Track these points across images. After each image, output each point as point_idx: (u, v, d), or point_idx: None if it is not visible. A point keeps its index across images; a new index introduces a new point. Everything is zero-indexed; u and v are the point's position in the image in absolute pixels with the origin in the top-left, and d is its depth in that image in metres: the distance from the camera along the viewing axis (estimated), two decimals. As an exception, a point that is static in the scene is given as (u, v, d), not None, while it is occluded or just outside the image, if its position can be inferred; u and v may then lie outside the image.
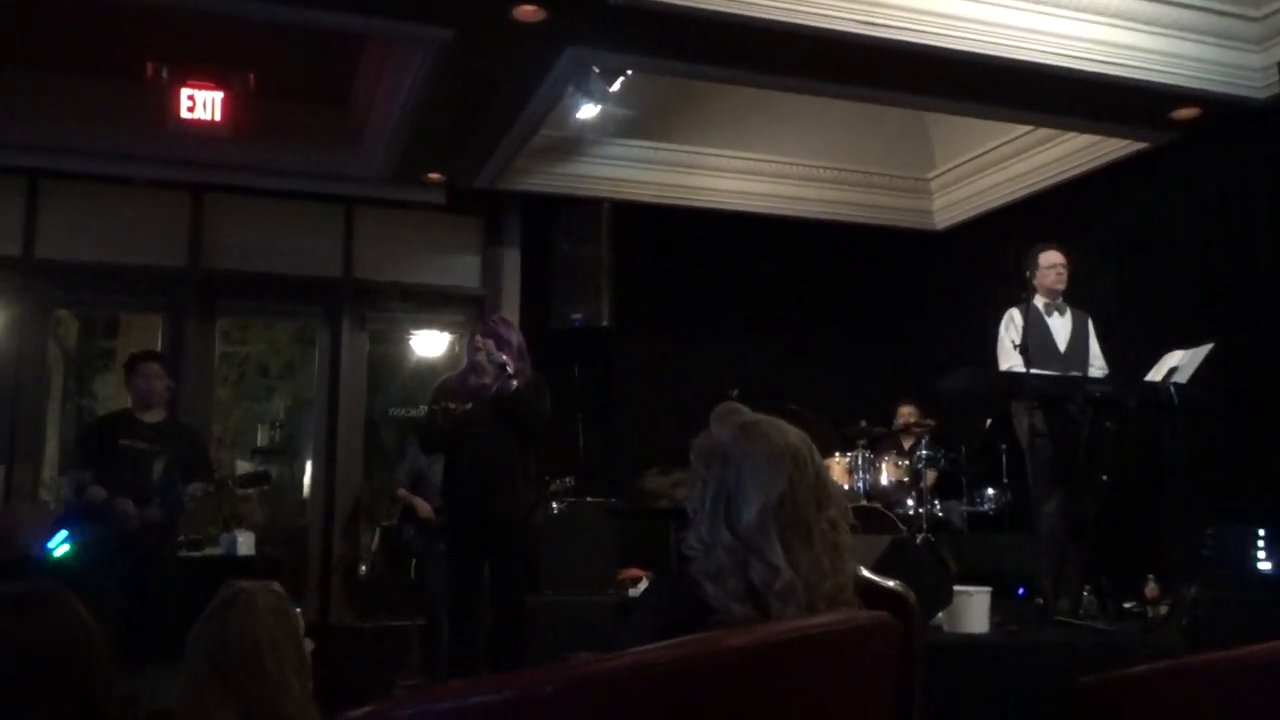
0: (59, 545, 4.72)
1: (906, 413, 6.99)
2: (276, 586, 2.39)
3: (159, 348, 6.73)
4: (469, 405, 4.72)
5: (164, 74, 6.00)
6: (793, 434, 1.71)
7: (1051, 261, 5.49)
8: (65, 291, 7.07)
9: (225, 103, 6.09)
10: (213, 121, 6.08)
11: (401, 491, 6.56)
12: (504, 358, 4.71)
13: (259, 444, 11.90)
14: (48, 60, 6.39)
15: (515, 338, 4.91)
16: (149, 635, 4.24)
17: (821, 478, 1.69)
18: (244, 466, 10.37)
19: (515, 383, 4.70)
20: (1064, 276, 5.49)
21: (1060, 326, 5.49)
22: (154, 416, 5.08)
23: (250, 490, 7.44)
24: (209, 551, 6.27)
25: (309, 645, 2.38)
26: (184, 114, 6.04)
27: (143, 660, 2.68)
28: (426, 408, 5.01)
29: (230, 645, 2.23)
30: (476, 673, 4.75)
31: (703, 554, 1.66)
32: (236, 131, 6.20)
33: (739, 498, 1.63)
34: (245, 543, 6.31)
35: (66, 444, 9.99)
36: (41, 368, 7.16)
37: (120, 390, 5.42)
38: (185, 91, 6.03)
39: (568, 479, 6.34)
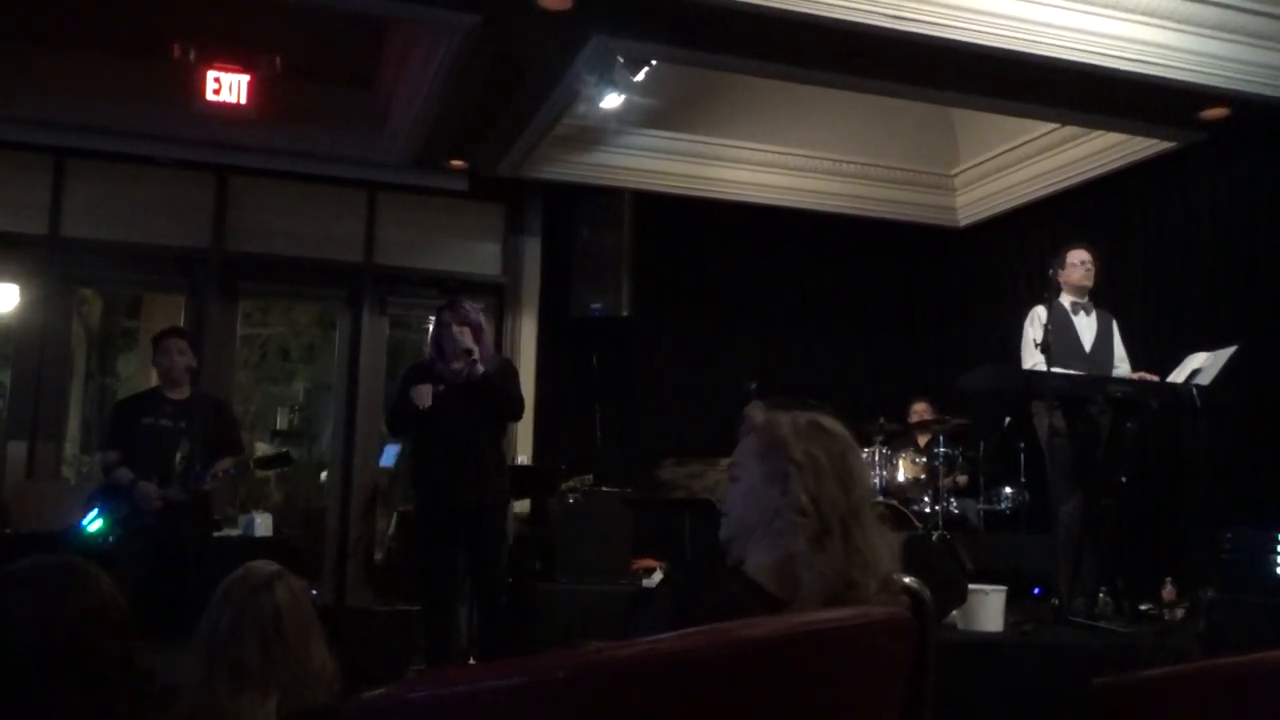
0: (92, 522, 4.77)
1: (920, 410, 6.97)
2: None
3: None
4: (441, 388, 4.72)
5: (191, 55, 6.03)
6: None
7: (1079, 259, 5.47)
8: (89, 270, 7.11)
9: (251, 85, 6.12)
10: (238, 104, 6.11)
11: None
12: (470, 344, 4.72)
13: (278, 426, 11.97)
14: (76, 39, 6.43)
15: (481, 321, 4.93)
16: (172, 613, 4.27)
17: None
18: (264, 448, 10.43)
19: (481, 368, 4.72)
20: (1091, 273, 5.47)
21: (1086, 326, 5.47)
22: (180, 393, 5.06)
23: (270, 472, 7.49)
24: (228, 532, 6.32)
25: None
26: (210, 96, 6.07)
27: (165, 637, 2.69)
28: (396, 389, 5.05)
29: (285, 629, 2.14)
30: (450, 660, 4.80)
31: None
32: (261, 114, 6.23)
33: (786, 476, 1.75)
34: (263, 524, 6.35)
35: (88, 422, 10.08)
36: (65, 346, 7.22)
37: (141, 370, 5.48)
38: (211, 73, 6.06)
39: (587, 477, 6.35)
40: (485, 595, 4.87)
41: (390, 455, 7.10)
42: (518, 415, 5.07)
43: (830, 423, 1.82)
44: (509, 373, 5.04)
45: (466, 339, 4.73)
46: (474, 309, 4.96)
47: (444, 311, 4.91)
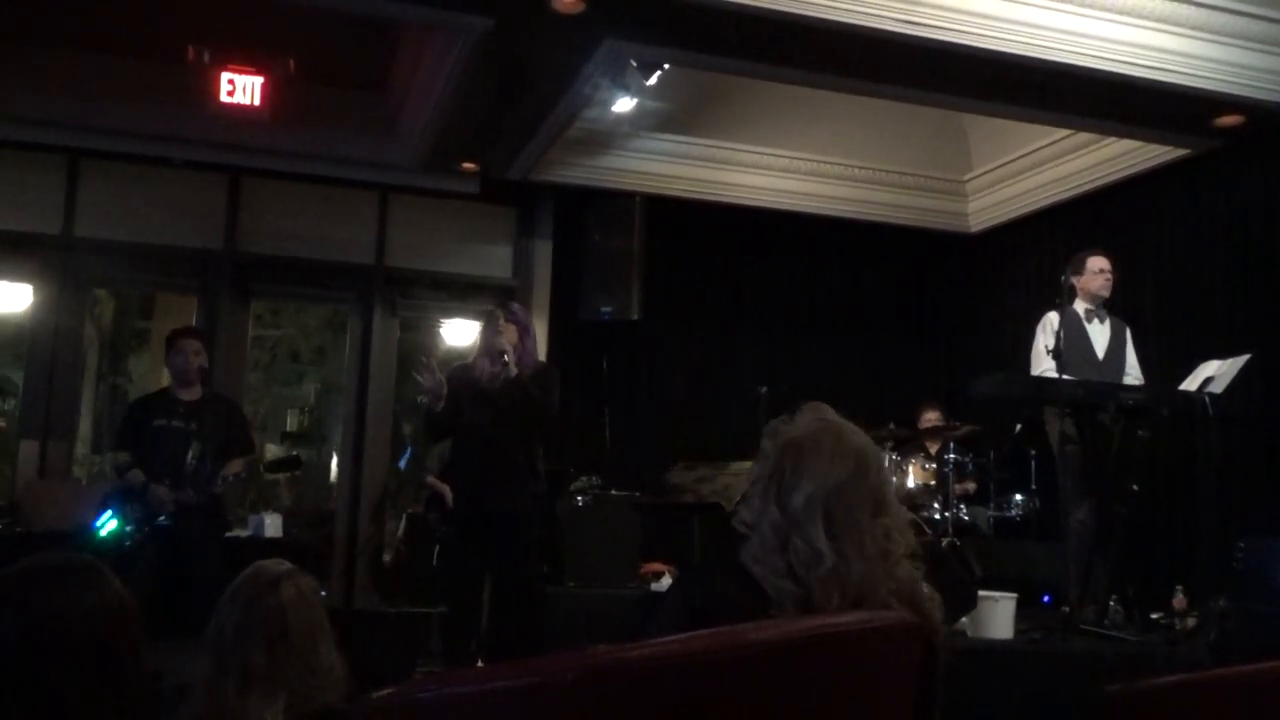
0: (104, 524, 4.78)
1: (930, 416, 6.96)
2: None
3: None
4: (439, 401, 4.64)
5: (205, 57, 6.04)
6: (864, 440, 1.76)
7: (1099, 267, 5.42)
8: (102, 270, 7.16)
9: (265, 87, 6.13)
10: (252, 106, 6.12)
11: (430, 478, 6.60)
12: (505, 345, 4.68)
13: (289, 428, 12.01)
14: (91, 40, 6.46)
15: (529, 324, 4.93)
16: (181, 613, 4.27)
17: (881, 488, 1.74)
18: (274, 450, 10.46)
19: (515, 371, 4.68)
20: (1110, 283, 5.42)
21: (1099, 334, 5.42)
22: (192, 394, 5.06)
23: (279, 475, 7.51)
24: (237, 532, 6.33)
25: None
26: (224, 98, 6.08)
27: (176, 637, 2.69)
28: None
29: (291, 629, 2.12)
30: (471, 663, 4.77)
31: (750, 531, 1.73)
32: (275, 116, 6.24)
33: (793, 481, 1.68)
34: (273, 525, 6.36)
35: (100, 422, 10.13)
36: (77, 346, 7.25)
37: (152, 370, 5.50)
38: (226, 75, 6.07)
39: (593, 478, 6.35)
40: (505, 600, 4.82)
41: (404, 458, 7.13)
42: (542, 421, 4.90)
43: (853, 444, 1.71)
44: (545, 378, 4.85)
45: (505, 341, 4.69)
46: (523, 311, 4.96)
47: (493, 311, 4.90)
